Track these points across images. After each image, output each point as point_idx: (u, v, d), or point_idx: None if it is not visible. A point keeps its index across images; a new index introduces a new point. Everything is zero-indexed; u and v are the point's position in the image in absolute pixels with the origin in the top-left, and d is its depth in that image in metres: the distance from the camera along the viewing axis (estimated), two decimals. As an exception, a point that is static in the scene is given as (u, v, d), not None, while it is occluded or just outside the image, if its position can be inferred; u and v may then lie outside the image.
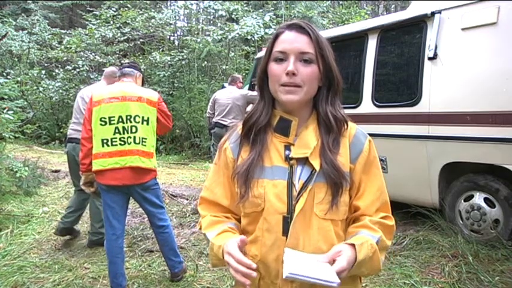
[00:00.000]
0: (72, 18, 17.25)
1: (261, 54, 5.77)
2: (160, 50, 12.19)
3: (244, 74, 10.28)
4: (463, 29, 3.26)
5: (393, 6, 14.47)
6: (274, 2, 10.86)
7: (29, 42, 12.31)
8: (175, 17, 11.70)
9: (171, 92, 11.19)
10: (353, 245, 0.95)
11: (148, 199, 2.81)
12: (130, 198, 2.86)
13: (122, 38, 11.59)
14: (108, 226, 2.73)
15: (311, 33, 1.01)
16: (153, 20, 11.31)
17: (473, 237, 3.29)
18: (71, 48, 11.55)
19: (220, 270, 3.07)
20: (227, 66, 10.98)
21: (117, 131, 2.62)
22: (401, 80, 3.73)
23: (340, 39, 4.12)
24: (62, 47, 12.05)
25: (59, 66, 12.48)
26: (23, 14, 13.75)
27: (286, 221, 1.00)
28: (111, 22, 11.57)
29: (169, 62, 10.92)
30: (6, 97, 4.57)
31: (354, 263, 0.93)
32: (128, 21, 11.34)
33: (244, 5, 10.48)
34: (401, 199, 3.71)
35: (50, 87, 11.62)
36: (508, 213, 3.15)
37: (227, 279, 2.96)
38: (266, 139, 1.07)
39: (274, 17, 9.55)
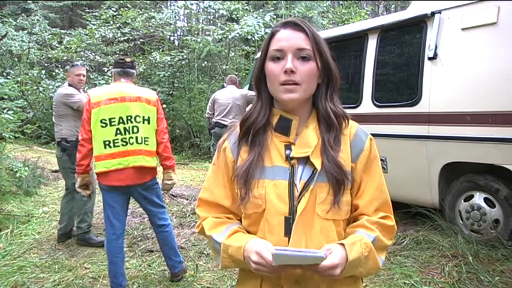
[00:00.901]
0: (72, 18, 17.25)
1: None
2: (160, 50, 12.19)
3: (244, 74, 10.28)
4: (463, 29, 3.26)
5: (393, 6, 14.47)
6: (275, 2, 10.86)
7: (29, 42, 12.30)
8: (175, 17, 11.69)
9: (171, 92, 11.19)
10: (343, 245, 0.95)
11: (149, 198, 2.82)
12: (131, 197, 2.87)
13: (122, 38, 11.59)
14: (108, 226, 2.73)
15: (307, 29, 1.01)
16: (153, 20, 11.32)
17: (473, 237, 3.29)
18: (71, 48, 11.55)
19: (220, 270, 3.07)
20: (227, 66, 10.98)
21: (118, 132, 2.63)
22: (401, 80, 3.73)
23: (340, 39, 4.12)
24: (62, 47, 12.04)
25: (59, 66, 12.47)
26: (23, 14, 13.74)
27: (288, 222, 0.99)
28: (111, 22, 11.57)
29: (169, 62, 10.92)
30: (6, 97, 4.57)
31: (346, 262, 0.93)
32: (127, 21, 11.34)
33: (245, 5, 10.48)
34: (401, 199, 3.71)
35: (50, 87, 11.61)
36: (508, 213, 3.15)
37: (227, 279, 2.96)
38: (266, 139, 1.05)
39: (274, 16, 9.55)
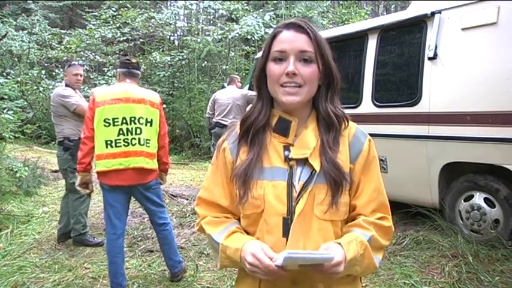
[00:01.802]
0: (72, 18, 17.25)
1: (261, 54, 5.78)
2: (160, 50, 12.19)
3: (244, 74, 10.28)
4: (463, 29, 3.26)
5: (393, 6, 14.46)
6: (274, 1, 10.86)
7: (29, 42, 12.30)
8: (175, 17, 11.70)
9: (171, 92, 11.19)
10: (339, 244, 0.96)
11: (149, 198, 2.83)
12: (131, 197, 2.87)
13: (122, 38, 11.59)
14: (109, 225, 2.73)
15: (310, 32, 1.00)
16: (153, 20, 11.32)
17: (473, 237, 3.29)
18: (70, 48, 11.55)
19: (220, 270, 3.07)
20: (227, 66, 10.98)
21: (121, 132, 2.63)
22: (401, 80, 3.73)
23: (340, 39, 4.12)
24: (62, 47, 12.05)
25: (59, 66, 12.47)
26: (23, 14, 13.74)
27: (287, 223, 0.99)
28: (111, 22, 11.57)
29: (169, 62, 10.93)
30: (6, 97, 4.57)
31: (345, 261, 0.93)
32: (127, 21, 11.34)
33: (244, 5, 10.48)
34: (401, 199, 3.71)
35: (50, 87, 11.60)
36: (508, 213, 3.15)
37: (227, 279, 2.96)
38: (265, 139, 1.05)
39: (274, 16, 9.56)
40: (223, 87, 6.30)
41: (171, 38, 13.75)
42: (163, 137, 2.85)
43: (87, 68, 11.59)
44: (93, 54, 11.57)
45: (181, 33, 13.12)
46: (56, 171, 7.13)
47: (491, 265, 2.89)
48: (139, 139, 2.66)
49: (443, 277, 2.81)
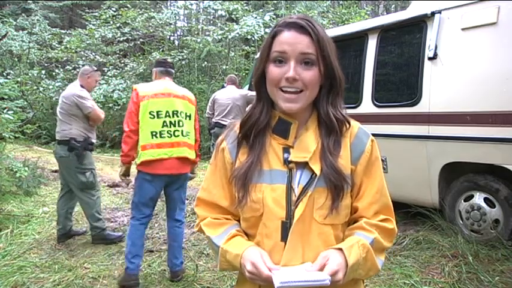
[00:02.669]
0: (72, 18, 17.25)
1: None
2: (161, 50, 12.18)
3: (244, 74, 10.28)
4: (463, 29, 3.26)
5: (393, 6, 14.46)
6: (274, 1, 10.86)
7: (29, 42, 12.30)
8: (175, 17, 11.69)
9: (171, 92, 11.18)
10: (340, 249, 0.93)
11: (180, 190, 2.99)
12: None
13: (122, 38, 11.59)
14: (137, 212, 2.86)
15: (312, 32, 0.95)
16: (153, 20, 11.31)
17: (473, 237, 3.29)
18: (71, 48, 11.55)
19: (220, 271, 3.06)
20: (227, 66, 10.98)
21: (165, 124, 2.79)
22: (401, 80, 3.73)
23: (340, 39, 4.11)
24: (62, 47, 12.05)
25: (59, 66, 12.47)
26: (23, 14, 13.74)
27: (285, 227, 0.97)
28: (111, 22, 11.57)
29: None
30: (6, 97, 4.57)
31: (346, 267, 0.91)
32: (127, 21, 11.34)
33: (244, 5, 10.48)
34: (401, 199, 3.71)
35: (50, 87, 11.61)
36: (508, 213, 3.15)
37: (227, 279, 2.96)
38: (265, 141, 1.03)
39: (274, 16, 9.55)
40: (223, 87, 6.30)
41: (171, 38, 13.75)
42: (197, 131, 3.05)
43: (87, 68, 11.58)
44: (93, 54, 11.56)
45: (181, 33, 13.12)
46: (56, 171, 7.13)
47: (491, 265, 2.89)
48: (182, 131, 2.84)
49: (443, 277, 2.81)
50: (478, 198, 3.32)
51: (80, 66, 11.37)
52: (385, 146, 3.60)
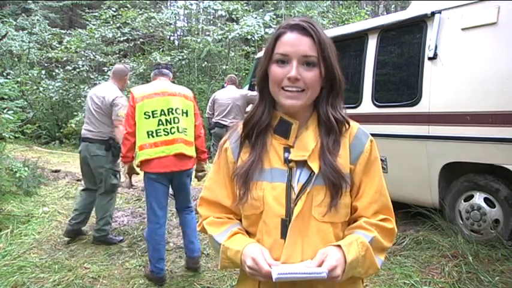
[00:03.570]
0: (72, 18, 17.25)
1: (261, 54, 5.75)
2: (161, 50, 12.19)
3: (244, 74, 10.28)
4: (463, 29, 3.26)
5: (393, 6, 14.46)
6: (274, 1, 10.86)
7: (29, 42, 12.30)
8: (175, 17, 11.70)
9: (171, 92, 11.18)
10: (339, 246, 0.95)
11: (186, 185, 3.05)
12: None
13: (122, 38, 11.59)
14: (152, 215, 2.90)
15: (314, 34, 0.98)
16: (152, 20, 11.32)
17: (473, 237, 3.29)
18: (71, 48, 11.55)
19: (221, 270, 3.07)
20: (227, 66, 10.98)
21: (160, 123, 2.84)
22: (401, 80, 3.73)
23: (340, 39, 4.11)
24: (62, 47, 12.04)
25: (59, 66, 12.47)
26: (23, 14, 13.74)
27: (285, 224, 0.99)
28: (111, 22, 11.57)
29: (169, 62, 10.92)
30: (6, 97, 4.56)
31: (345, 263, 0.93)
32: (127, 21, 11.34)
33: (244, 5, 10.48)
34: (401, 199, 3.71)
35: (50, 87, 11.61)
36: (508, 213, 3.15)
37: (227, 279, 2.96)
38: (266, 141, 1.05)
39: (274, 16, 9.55)
40: (223, 87, 6.30)
41: (171, 38, 13.76)
42: (198, 127, 3.07)
43: (87, 68, 11.59)
44: (93, 54, 11.56)
45: (181, 33, 13.12)
46: (56, 171, 7.14)
47: (491, 265, 2.89)
48: (177, 127, 2.87)
49: (443, 277, 2.81)
50: (478, 198, 3.32)
51: (80, 66, 11.41)
52: (385, 146, 3.60)
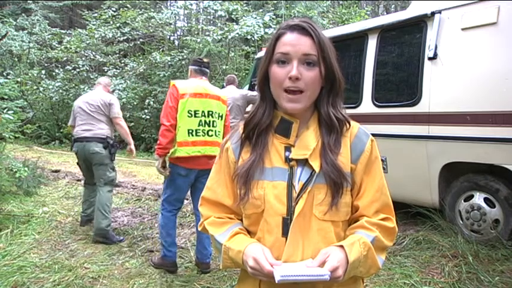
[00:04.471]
0: (72, 18, 17.26)
1: (261, 54, 5.76)
2: (161, 50, 12.19)
3: (244, 74, 10.28)
4: (463, 29, 3.26)
5: (393, 6, 14.47)
6: (274, 2, 10.87)
7: (29, 42, 12.32)
8: (175, 17, 11.70)
9: (171, 92, 11.18)
10: (342, 246, 0.95)
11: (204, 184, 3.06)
12: None
13: (122, 38, 11.60)
14: (168, 205, 3.04)
15: (314, 34, 0.99)
16: (152, 20, 11.32)
17: (473, 237, 3.29)
18: (70, 48, 11.55)
19: (220, 270, 3.07)
20: (227, 66, 10.98)
21: (201, 123, 2.96)
22: (401, 80, 3.73)
23: (340, 39, 4.12)
24: (62, 47, 12.05)
25: (59, 66, 12.48)
26: (23, 14, 13.76)
27: (286, 223, 0.99)
28: (111, 22, 11.57)
29: (169, 62, 10.93)
30: (6, 97, 4.56)
31: (347, 263, 0.93)
32: (127, 21, 11.34)
33: (244, 5, 10.48)
34: (401, 199, 3.71)
35: (50, 87, 11.62)
36: (508, 213, 3.15)
37: (227, 279, 2.96)
38: (267, 140, 1.06)
39: (274, 17, 9.56)
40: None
41: (171, 38, 13.76)
42: (227, 127, 3.20)
43: (87, 68, 11.59)
44: (93, 54, 11.56)
45: (181, 33, 13.13)
46: (56, 171, 7.14)
47: (491, 265, 2.89)
48: (215, 131, 3.02)
49: (443, 277, 2.81)
50: (478, 198, 3.32)
51: (80, 66, 11.41)
52: (385, 146, 3.60)
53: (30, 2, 14.44)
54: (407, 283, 2.75)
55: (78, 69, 11.44)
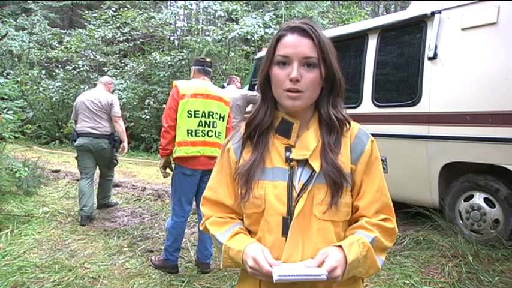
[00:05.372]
0: (72, 18, 17.25)
1: (261, 54, 5.76)
2: (161, 50, 12.18)
3: (244, 74, 10.28)
4: (463, 29, 3.26)
5: (393, 6, 14.46)
6: (274, 1, 10.86)
7: (29, 42, 12.32)
8: (175, 17, 11.69)
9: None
10: (340, 247, 0.96)
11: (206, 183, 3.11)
12: None
13: (122, 38, 11.59)
14: (179, 209, 3.01)
15: (314, 36, 1.00)
16: (152, 20, 11.31)
17: (473, 237, 3.29)
18: (70, 48, 11.55)
19: (220, 270, 3.07)
20: (227, 66, 10.98)
21: (200, 124, 2.96)
22: (401, 80, 3.73)
23: (340, 39, 4.12)
24: (62, 47, 12.05)
25: (59, 66, 12.47)
26: (23, 14, 13.75)
27: (286, 222, 1.00)
28: (111, 22, 11.57)
29: (169, 62, 10.92)
30: (6, 97, 4.56)
31: (346, 263, 0.93)
32: (127, 21, 11.34)
33: (244, 5, 10.48)
34: (401, 199, 3.71)
35: (50, 87, 11.62)
36: (508, 213, 3.15)
37: (227, 279, 2.96)
38: (268, 141, 1.07)
39: (274, 17, 9.56)
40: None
41: (171, 38, 13.75)
42: (229, 129, 3.19)
43: (87, 68, 11.59)
44: (93, 54, 11.56)
45: (181, 33, 13.12)
46: (56, 171, 7.14)
47: (491, 265, 2.89)
48: (215, 132, 3.03)
49: (443, 277, 2.81)
50: (478, 198, 3.32)
51: (80, 66, 11.40)
52: (385, 146, 3.60)
53: (30, 2, 14.44)
54: (407, 283, 2.75)
55: (78, 69, 11.43)
